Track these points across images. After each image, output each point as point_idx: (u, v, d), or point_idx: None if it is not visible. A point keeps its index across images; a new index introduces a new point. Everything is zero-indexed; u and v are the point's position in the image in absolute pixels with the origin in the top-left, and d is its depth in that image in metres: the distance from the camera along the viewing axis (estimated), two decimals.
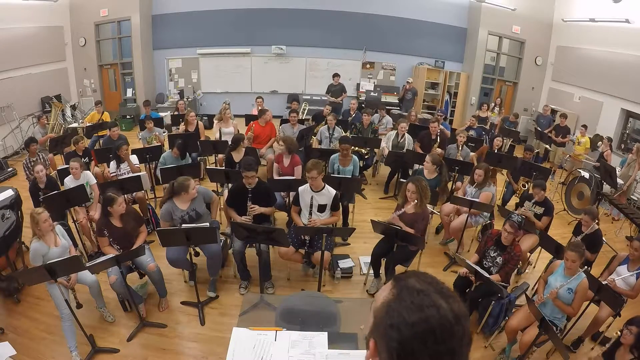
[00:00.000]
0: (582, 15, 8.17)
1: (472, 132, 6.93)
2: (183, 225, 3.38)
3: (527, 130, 9.50)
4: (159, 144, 5.94)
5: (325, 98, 8.57)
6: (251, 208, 3.71)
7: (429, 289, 0.69)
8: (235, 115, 6.85)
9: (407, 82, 8.97)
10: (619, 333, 2.63)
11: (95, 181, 4.52)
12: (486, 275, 3.10)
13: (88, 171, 4.62)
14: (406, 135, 5.94)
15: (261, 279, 3.64)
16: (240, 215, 3.76)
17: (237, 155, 4.91)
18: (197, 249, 3.50)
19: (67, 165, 4.52)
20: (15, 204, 3.89)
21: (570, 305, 2.85)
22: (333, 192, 3.72)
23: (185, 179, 3.50)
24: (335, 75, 8.65)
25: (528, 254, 4.17)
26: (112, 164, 4.88)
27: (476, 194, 4.41)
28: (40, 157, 5.16)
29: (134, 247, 3.35)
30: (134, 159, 4.87)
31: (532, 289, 3.77)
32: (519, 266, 4.05)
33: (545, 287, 3.01)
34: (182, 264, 3.56)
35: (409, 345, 0.65)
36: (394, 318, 0.67)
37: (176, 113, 7.17)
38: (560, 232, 4.15)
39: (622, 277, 3.16)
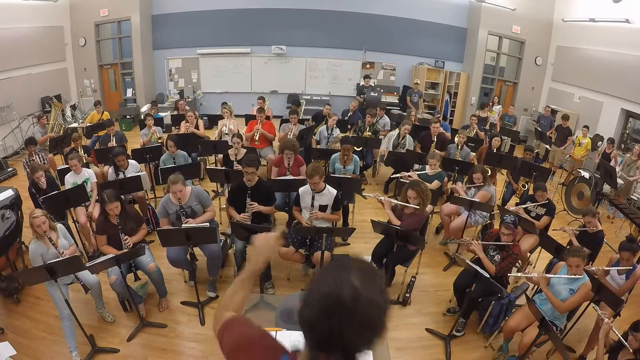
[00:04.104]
0: (582, 15, 8.16)
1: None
2: (183, 225, 3.38)
3: (527, 130, 9.50)
4: (159, 140, 5.93)
5: (327, 98, 8.60)
6: (250, 205, 3.71)
7: (351, 265, 0.77)
8: (235, 116, 6.85)
9: (416, 83, 9.01)
10: (614, 331, 2.58)
11: (96, 180, 4.49)
12: (486, 275, 3.10)
13: (90, 169, 4.61)
14: (407, 136, 5.95)
15: (261, 279, 3.63)
16: (240, 213, 3.76)
17: (233, 154, 4.92)
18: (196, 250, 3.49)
19: (67, 165, 4.48)
20: (15, 204, 3.90)
21: (563, 301, 2.84)
22: (334, 192, 3.72)
23: (174, 179, 3.45)
24: (367, 77, 9.05)
25: (528, 254, 4.16)
26: (111, 170, 4.68)
27: (475, 194, 4.42)
28: (40, 156, 5.15)
29: (132, 241, 3.36)
30: (133, 163, 4.83)
31: (532, 288, 3.77)
32: (518, 266, 4.04)
33: (549, 287, 2.99)
34: (182, 264, 3.57)
35: (311, 309, 0.75)
36: (309, 287, 0.79)
37: (176, 113, 7.17)
38: (560, 232, 4.13)
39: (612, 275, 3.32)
